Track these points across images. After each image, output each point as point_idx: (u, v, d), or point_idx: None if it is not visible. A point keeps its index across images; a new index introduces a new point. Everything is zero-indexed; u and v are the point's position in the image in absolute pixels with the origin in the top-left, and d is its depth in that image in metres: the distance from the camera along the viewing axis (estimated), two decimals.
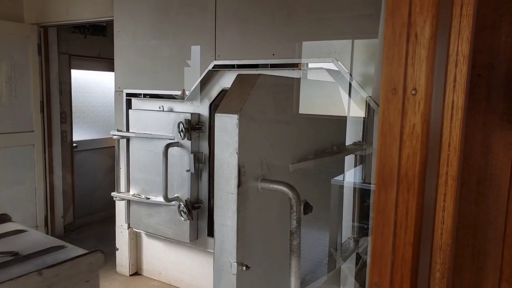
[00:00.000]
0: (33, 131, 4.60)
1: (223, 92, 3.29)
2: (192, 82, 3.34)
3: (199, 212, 3.45)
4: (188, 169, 3.37)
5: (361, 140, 2.54)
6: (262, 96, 1.59)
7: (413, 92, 0.78)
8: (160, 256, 3.90)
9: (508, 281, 1.20)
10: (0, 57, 4.26)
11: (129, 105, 3.79)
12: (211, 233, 3.40)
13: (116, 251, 4.04)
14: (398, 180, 0.77)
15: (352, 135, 2.52)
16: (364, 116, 2.56)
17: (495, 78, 1.20)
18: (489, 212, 1.22)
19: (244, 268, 1.49)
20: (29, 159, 4.58)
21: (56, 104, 4.91)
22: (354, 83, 2.54)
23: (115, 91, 3.85)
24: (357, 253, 2.33)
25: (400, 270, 0.77)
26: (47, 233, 4.67)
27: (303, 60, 2.80)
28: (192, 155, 3.34)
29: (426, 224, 0.91)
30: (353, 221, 2.51)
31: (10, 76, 4.35)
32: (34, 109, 4.61)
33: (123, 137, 3.75)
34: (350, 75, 2.56)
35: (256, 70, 2.99)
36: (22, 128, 4.51)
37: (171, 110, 3.55)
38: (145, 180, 3.64)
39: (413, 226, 0.76)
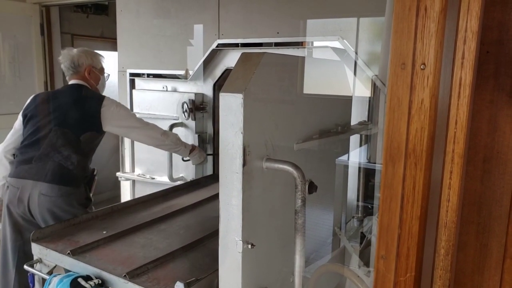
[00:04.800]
0: None
1: (226, 72, 3.27)
2: (196, 61, 3.31)
3: None
4: None
5: (366, 120, 2.52)
6: (267, 75, 1.57)
7: (422, 66, 0.77)
8: None
9: None
10: (2, 38, 4.23)
11: (132, 85, 3.77)
12: None
13: None
14: (406, 155, 0.76)
15: (357, 115, 2.51)
16: (370, 95, 2.54)
17: (503, 55, 1.18)
18: (495, 190, 1.21)
19: (249, 246, 1.50)
20: None
21: (60, 84, 4.88)
22: (359, 62, 2.51)
23: (118, 71, 3.82)
24: (362, 232, 2.35)
25: (407, 244, 0.78)
26: None
27: (308, 39, 2.77)
28: (197, 135, 3.34)
29: (432, 201, 0.91)
30: (357, 200, 2.52)
31: (13, 57, 4.33)
32: (38, 90, 4.59)
33: None
34: (356, 53, 2.53)
35: (260, 48, 2.96)
36: None
37: (174, 90, 3.54)
38: (150, 160, 3.65)
39: (420, 200, 0.76)
